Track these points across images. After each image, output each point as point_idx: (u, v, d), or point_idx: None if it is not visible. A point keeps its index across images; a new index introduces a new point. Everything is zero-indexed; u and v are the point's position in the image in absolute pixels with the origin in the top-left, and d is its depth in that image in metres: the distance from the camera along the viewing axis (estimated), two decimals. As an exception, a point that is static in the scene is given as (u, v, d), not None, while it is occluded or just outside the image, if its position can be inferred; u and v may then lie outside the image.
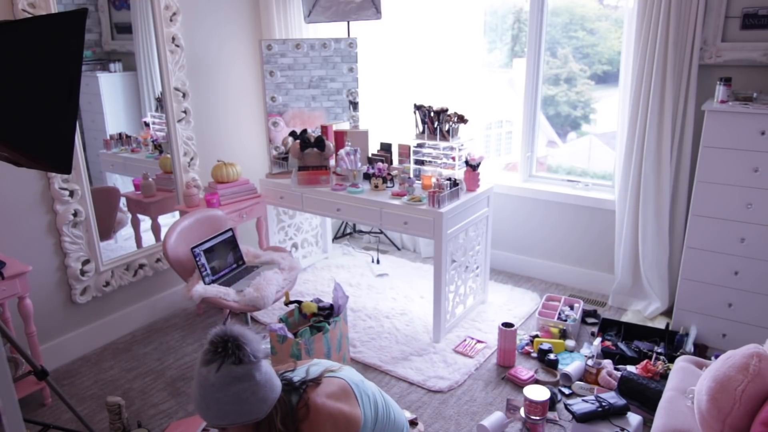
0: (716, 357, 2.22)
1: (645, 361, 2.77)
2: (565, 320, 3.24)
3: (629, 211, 3.36)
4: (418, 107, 3.37)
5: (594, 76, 3.79)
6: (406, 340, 3.21)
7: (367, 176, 3.42)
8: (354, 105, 3.86)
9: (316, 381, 1.65)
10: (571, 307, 3.39)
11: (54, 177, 2.87)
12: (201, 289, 2.77)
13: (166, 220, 3.55)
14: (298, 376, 1.66)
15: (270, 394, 1.51)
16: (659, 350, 2.92)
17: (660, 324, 3.23)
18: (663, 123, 3.12)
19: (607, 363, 2.84)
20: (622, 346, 2.98)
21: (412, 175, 3.43)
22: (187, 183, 3.52)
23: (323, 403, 1.59)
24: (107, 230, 3.29)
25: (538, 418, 2.44)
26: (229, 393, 1.45)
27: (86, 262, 3.09)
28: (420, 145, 3.41)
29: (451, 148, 3.31)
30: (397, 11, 3.94)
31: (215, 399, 1.46)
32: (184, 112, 3.49)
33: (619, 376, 2.65)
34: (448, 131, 3.30)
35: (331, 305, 2.81)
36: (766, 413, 1.61)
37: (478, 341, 3.20)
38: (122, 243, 3.39)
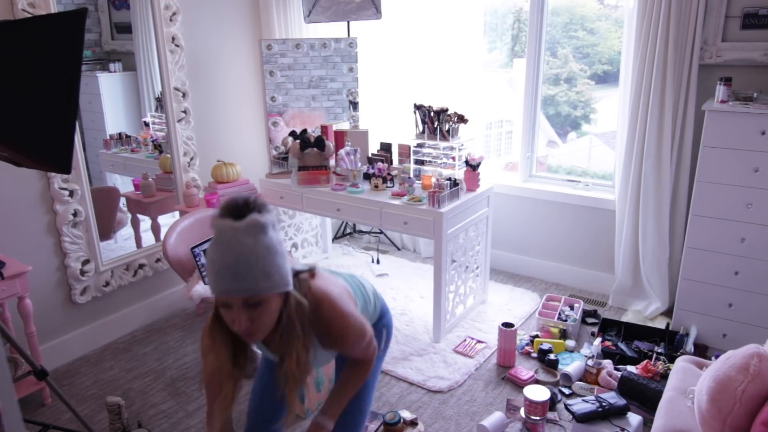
0: (716, 357, 2.22)
1: (645, 361, 2.77)
2: (565, 320, 3.24)
3: (629, 211, 3.36)
4: (418, 107, 3.37)
5: (594, 76, 3.80)
6: (406, 340, 3.21)
7: (367, 176, 3.41)
8: (354, 105, 3.86)
9: (311, 272, 1.56)
10: (571, 307, 3.39)
11: (54, 177, 2.87)
12: (201, 289, 2.77)
13: (166, 220, 3.55)
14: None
15: (286, 262, 1.40)
16: (659, 350, 2.92)
17: (660, 324, 3.23)
18: (663, 123, 3.12)
19: (607, 363, 2.84)
20: (622, 346, 2.98)
21: (412, 175, 3.43)
22: (187, 183, 3.52)
23: (324, 285, 1.54)
24: (107, 230, 3.29)
25: (538, 418, 2.44)
26: (261, 242, 1.31)
27: (86, 262, 3.09)
28: (420, 145, 3.41)
29: (451, 148, 3.30)
30: (397, 11, 3.94)
31: (253, 253, 1.30)
32: (184, 112, 3.49)
33: (619, 376, 2.65)
34: (448, 131, 3.30)
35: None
36: (767, 413, 1.61)
37: (478, 341, 3.20)
38: (122, 243, 3.39)
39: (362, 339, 1.60)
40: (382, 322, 1.90)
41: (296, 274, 1.52)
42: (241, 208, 1.34)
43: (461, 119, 3.27)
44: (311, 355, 1.49)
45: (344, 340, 1.57)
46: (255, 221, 1.32)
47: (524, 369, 2.90)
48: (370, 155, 3.64)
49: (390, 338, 1.96)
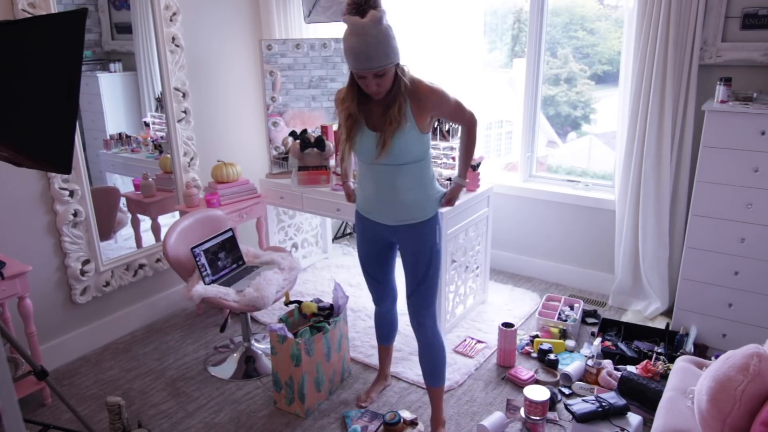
0: (716, 357, 2.22)
1: (645, 361, 2.77)
2: (565, 320, 3.24)
3: (629, 211, 3.36)
4: (418, 107, 3.36)
5: (594, 76, 3.79)
6: (406, 340, 3.21)
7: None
8: (354, 105, 3.85)
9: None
10: (571, 307, 3.39)
11: (54, 177, 2.87)
12: (201, 289, 2.77)
13: (166, 220, 3.55)
14: None
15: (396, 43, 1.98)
16: (659, 350, 2.92)
17: (660, 324, 3.23)
18: (663, 123, 3.12)
19: (607, 363, 2.84)
20: (622, 346, 2.98)
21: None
22: (187, 183, 3.52)
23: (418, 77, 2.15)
24: (107, 230, 3.29)
25: (538, 418, 2.44)
26: (381, 31, 1.87)
27: (86, 262, 3.09)
28: (420, 145, 3.41)
29: (451, 148, 3.30)
30: (397, 11, 3.94)
31: (377, 41, 1.87)
32: (184, 112, 3.49)
33: (619, 376, 2.66)
34: (448, 131, 3.30)
35: (331, 305, 2.81)
36: (767, 413, 1.61)
37: (478, 341, 3.20)
38: (122, 243, 3.39)
39: (456, 101, 2.20)
40: (434, 219, 2.30)
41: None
42: (362, 5, 1.85)
43: (461, 119, 3.26)
44: (407, 108, 2.08)
45: (443, 102, 2.14)
46: (375, 16, 1.85)
47: (524, 369, 2.90)
48: (370, 155, 3.63)
49: (442, 232, 2.39)
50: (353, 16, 1.85)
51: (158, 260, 3.46)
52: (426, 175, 2.25)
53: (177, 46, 3.38)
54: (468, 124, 2.30)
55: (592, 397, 2.39)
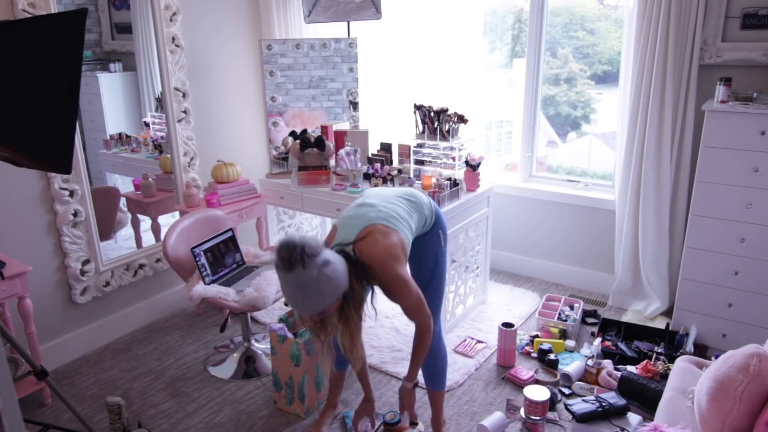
0: (716, 357, 2.22)
1: (645, 361, 2.77)
2: (565, 320, 3.24)
3: (629, 211, 3.36)
4: (418, 107, 3.37)
5: (594, 76, 3.79)
6: (406, 341, 3.21)
7: (367, 176, 3.41)
8: (354, 105, 3.86)
9: (358, 239, 1.97)
10: (571, 307, 3.39)
11: (54, 177, 2.87)
12: (201, 289, 2.77)
13: (166, 220, 3.55)
14: (344, 240, 2.00)
15: (342, 267, 1.83)
16: (659, 350, 2.92)
17: (660, 324, 3.23)
18: (663, 123, 3.12)
19: (607, 363, 2.84)
20: (622, 346, 2.98)
21: (412, 175, 3.43)
22: (187, 183, 3.52)
23: (373, 251, 1.93)
24: (107, 230, 3.29)
25: (538, 418, 2.44)
26: (321, 279, 1.75)
27: (86, 262, 3.09)
28: (420, 145, 3.41)
29: (451, 148, 3.30)
30: (397, 11, 3.94)
31: (312, 290, 1.76)
32: (184, 112, 3.49)
33: (619, 376, 2.65)
34: (448, 131, 3.30)
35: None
36: None
37: (478, 341, 3.20)
38: (122, 243, 3.39)
39: (408, 292, 1.97)
40: (438, 225, 2.28)
41: (356, 241, 1.96)
42: (289, 261, 1.73)
43: (461, 119, 3.27)
44: (359, 338, 2.01)
45: (393, 292, 1.97)
46: (299, 278, 1.74)
47: (524, 369, 2.90)
48: (370, 155, 3.64)
49: (447, 237, 2.34)
50: (290, 269, 1.74)
51: (158, 260, 3.46)
52: (418, 212, 2.20)
53: (177, 46, 3.38)
54: (424, 327, 2.08)
55: (592, 397, 2.39)
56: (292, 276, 1.74)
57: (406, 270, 2.03)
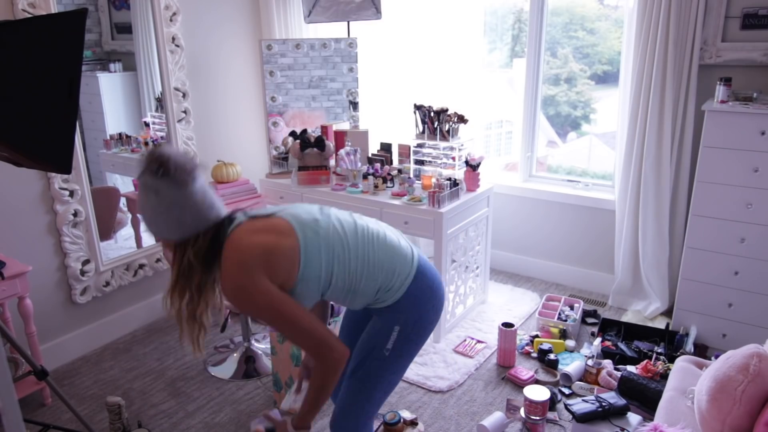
0: (716, 357, 2.22)
1: (645, 361, 2.77)
2: (565, 320, 3.24)
3: (629, 211, 3.36)
4: (418, 107, 3.37)
5: (594, 76, 3.79)
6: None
7: (367, 176, 3.42)
8: (354, 105, 3.86)
9: (252, 217, 1.57)
10: (571, 307, 3.39)
11: (54, 177, 2.87)
12: (201, 289, 2.76)
13: (166, 220, 3.54)
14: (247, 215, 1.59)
15: (185, 219, 1.45)
16: (659, 350, 2.92)
17: (660, 324, 3.23)
18: (663, 123, 3.12)
19: (607, 363, 2.84)
20: (622, 346, 2.98)
21: (412, 175, 3.43)
22: (187, 183, 3.51)
23: (239, 238, 1.50)
24: (107, 230, 3.29)
25: (538, 418, 2.44)
26: (149, 201, 1.45)
27: (86, 262, 3.09)
28: (420, 145, 3.41)
29: (451, 148, 3.30)
30: (397, 11, 3.94)
31: (142, 204, 1.48)
32: (184, 112, 3.49)
33: (619, 376, 2.66)
34: (448, 131, 3.30)
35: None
36: None
37: (478, 341, 3.20)
38: (122, 243, 3.39)
39: (254, 308, 1.51)
40: (398, 315, 1.65)
41: (230, 218, 1.57)
42: (159, 167, 1.43)
43: (461, 119, 3.27)
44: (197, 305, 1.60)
45: (232, 301, 1.53)
46: (143, 184, 1.45)
47: (524, 369, 2.90)
48: (370, 155, 3.64)
49: (410, 338, 1.67)
50: (144, 173, 1.44)
51: (158, 260, 3.46)
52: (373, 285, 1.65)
53: (177, 46, 3.38)
54: (318, 358, 1.53)
55: (592, 397, 2.39)
56: (140, 183, 1.45)
57: (271, 285, 1.49)
